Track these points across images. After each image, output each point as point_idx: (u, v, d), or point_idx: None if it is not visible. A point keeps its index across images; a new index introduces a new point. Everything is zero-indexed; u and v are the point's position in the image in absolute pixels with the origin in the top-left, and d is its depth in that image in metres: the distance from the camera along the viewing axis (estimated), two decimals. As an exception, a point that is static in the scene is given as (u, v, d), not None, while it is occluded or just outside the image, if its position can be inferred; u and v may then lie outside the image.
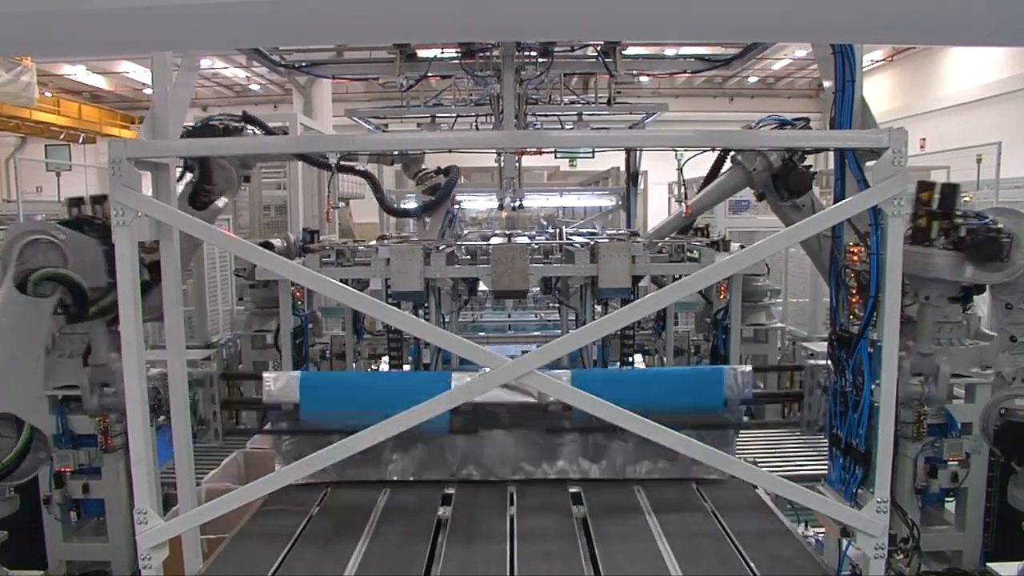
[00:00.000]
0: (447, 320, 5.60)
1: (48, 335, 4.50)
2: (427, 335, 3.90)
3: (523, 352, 3.59)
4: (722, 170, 6.28)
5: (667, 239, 6.05)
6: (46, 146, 23.66)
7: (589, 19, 2.28)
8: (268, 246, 7.28)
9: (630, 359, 5.73)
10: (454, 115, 8.64)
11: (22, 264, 3.98)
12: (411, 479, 4.90)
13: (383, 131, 9.37)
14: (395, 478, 4.89)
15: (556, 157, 12.03)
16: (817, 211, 5.24)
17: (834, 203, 3.62)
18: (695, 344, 6.89)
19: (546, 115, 8.97)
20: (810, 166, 5.72)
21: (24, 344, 4.06)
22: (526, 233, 7.41)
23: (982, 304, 4.67)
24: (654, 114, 9.32)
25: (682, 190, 6.02)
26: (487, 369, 3.43)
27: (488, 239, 6.53)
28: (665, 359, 7.23)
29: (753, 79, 29.30)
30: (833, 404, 3.85)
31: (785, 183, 5.65)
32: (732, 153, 5.93)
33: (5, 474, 4.05)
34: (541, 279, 5.35)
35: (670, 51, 7.88)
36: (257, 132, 5.56)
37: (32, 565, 4.50)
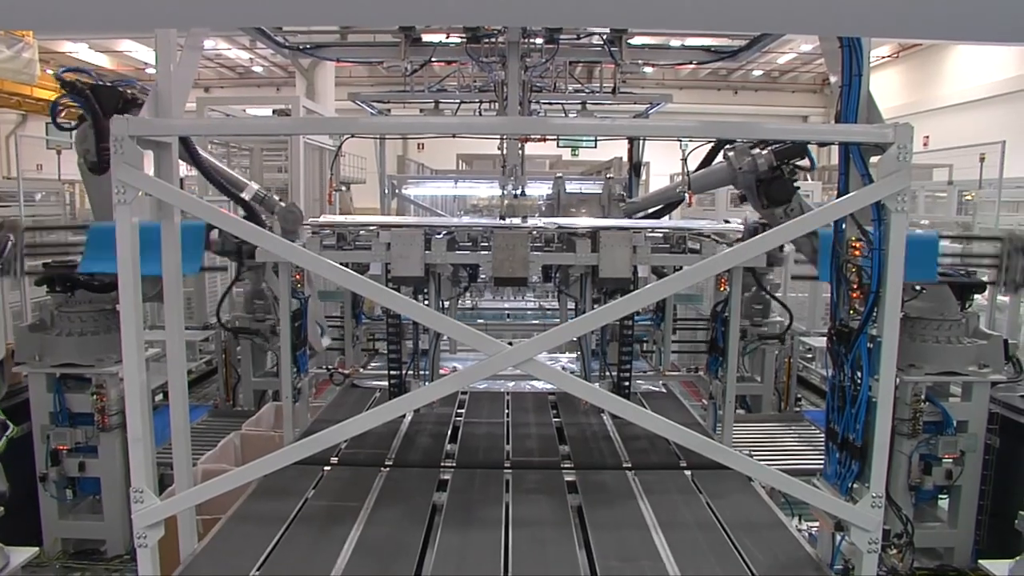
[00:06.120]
0: (446, 306, 5.59)
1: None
2: (427, 320, 3.89)
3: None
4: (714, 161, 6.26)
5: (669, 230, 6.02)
6: (47, 124, 23.55)
7: (596, 5, 2.27)
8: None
9: (629, 349, 5.72)
10: (457, 101, 8.60)
11: None
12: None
13: (385, 115, 9.34)
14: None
15: (559, 146, 11.99)
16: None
17: (838, 197, 3.61)
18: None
19: (550, 103, 8.94)
20: (796, 179, 5.65)
21: None
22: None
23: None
24: (658, 104, 9.29)
25: (686, 179, 5.99)
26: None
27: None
28: (663, 350, 7.24)
29: (758, 72, 29.19)
30: (831, 399, 3.85)
31: (767, 190, 5.58)
32: (725, 148, 5.88)
33: None
34: (541, 267, 5.34)
35: (676, 42, 7.83)
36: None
37: (28, 542, 4.51)
